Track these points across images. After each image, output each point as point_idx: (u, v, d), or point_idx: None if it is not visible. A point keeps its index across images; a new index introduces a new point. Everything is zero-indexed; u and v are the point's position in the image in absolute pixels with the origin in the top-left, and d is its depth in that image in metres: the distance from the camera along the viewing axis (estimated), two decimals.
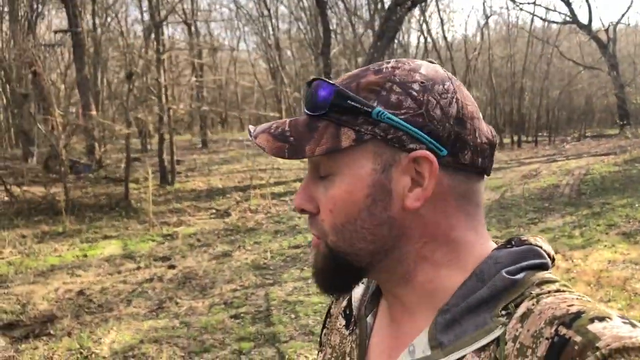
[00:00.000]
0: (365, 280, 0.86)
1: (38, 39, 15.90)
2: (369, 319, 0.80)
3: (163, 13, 13.66)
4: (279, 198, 11.71)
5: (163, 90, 12.76)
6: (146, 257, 7.92)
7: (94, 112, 13.51)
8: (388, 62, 0.72)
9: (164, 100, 12.73)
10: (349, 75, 0.74)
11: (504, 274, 0.67)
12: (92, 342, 5.08)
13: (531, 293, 0.64)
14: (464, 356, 0.63)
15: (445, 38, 25.93)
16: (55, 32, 16.90)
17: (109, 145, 13.58)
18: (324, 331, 0.91)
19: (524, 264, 0.68)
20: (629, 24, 28.42)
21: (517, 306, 0.63)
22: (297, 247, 8.24)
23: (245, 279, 6.87)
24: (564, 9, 24.21)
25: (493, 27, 30.22)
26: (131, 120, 11.25)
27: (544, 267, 0.70)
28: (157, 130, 13.30)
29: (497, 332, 0.62)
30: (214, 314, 5.71)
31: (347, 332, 0.82)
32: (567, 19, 25.35)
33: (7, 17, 16.34)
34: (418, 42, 30.45)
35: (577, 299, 0.61)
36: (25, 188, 11.10)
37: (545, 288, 0.64)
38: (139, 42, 17.15)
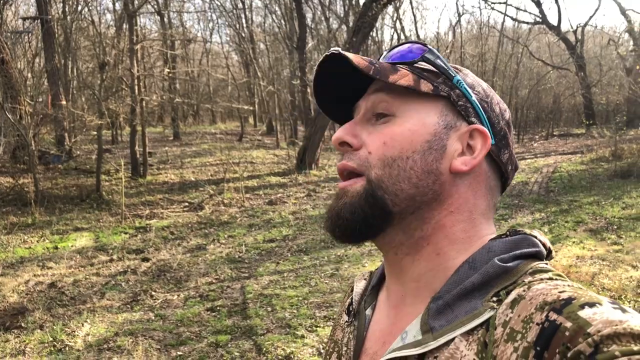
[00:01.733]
0: (367, 275, 0.89)
1: (5, 25, 15.48)
2: (367, 311, 0.81)
3: (137, 3, 13.44)
4: (253, 192, 11.69)
5: (136, 81, 12.59)
6: (119, 250, 7.83)
7: (63, 102, 13.24)
8: None
9: (136, 91, 12.56)
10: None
11: (497, 261, 0.68)
12: (66, 335, 5.02)
13: (523, 281, 0.65)
14: (452, 339, 0.64)
15: (417, 35, 26.15)
16: (24, 19, 16.47)
17: (80, 136, 13.32)
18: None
19: (517, 252, 0.69)
20: (595, 26, 29.04)
21: (508, 293, 0.64)
22: (272, 240, 8.25)
23: (220, 272, 6.86)
24: (535, 9, 24.65)
25: (465, 25, 30.63)
26: (104, 110, 11.06)
27: (538, 256, 0.71)
28: (129, 122, 13.12)
29: (485, 315, 0.63)
30: (189, 307, 5.70)
31: (346, 326, 0.84)
32: (537, 19, 25.80)
33: None
34: (392, 39, 30.62)
35: (568, 286, 0.61)
36: None
37: (538, 276, 0.65)
38: (111, 31, 16.86)
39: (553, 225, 8.02)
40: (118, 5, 17.75)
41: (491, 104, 0.77)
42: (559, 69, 26.31)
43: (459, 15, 36.24)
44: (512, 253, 0.69)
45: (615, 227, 7.74)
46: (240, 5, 22.95)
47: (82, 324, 5.28)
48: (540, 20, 25.53)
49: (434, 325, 0.66)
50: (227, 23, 25.22)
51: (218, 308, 5.63)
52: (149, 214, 9.94)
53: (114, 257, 7.56)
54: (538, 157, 16.27)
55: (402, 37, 25.91)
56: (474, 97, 0.75)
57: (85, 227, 9.04)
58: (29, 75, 16.09)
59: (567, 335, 0.53)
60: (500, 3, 24.92)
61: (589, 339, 0.52)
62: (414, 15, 26.71)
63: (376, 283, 0.84)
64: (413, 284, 0.73)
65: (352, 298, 0.87)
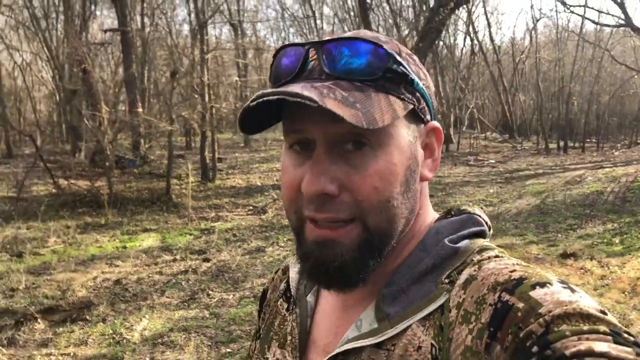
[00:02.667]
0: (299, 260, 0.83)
1: (89, 38, 16.50)
2: (309, 297, 0.77)
3: (209, 13, 13.96)
4: None
5: (206, 89, 13.04)
6: (183, 250, 8.11)
7: (140, 109, 13.93)
8: (367, 31, 0.69)
9: (207, 98, 13.00)
10: (370, 37, 0.67)
11: (447, 242, 0.68)
12: (125, 329, 5.25)
13: (472, 260, 0.65)
14: (409, 326, 0.63)
15: (492, 40, 25.54)
16: (105, 31, 17.52)
17: (154, 141, 13.95)
18: (262, 316, 0.89)
19: (465, 232, 0.69)
20: None
21: (459, 273, 0.64)
22: None
23: None
24: (617, 11, 23.41)
25: (542, 30, 29.58)
26: (174, 117, 11.53)
27: (482, 234, 0.71)
28: (200, 128, 13.59)
29: (441, 300, 0.62)
30: (243, 306, 5.81)
31: (287, 313, 0.79)
32: (620, 21, 24.49)
33: (62, 17, 16.99)
34: (464, 44, 30.04)
35: (517, 264, 0.61)
36: (72, 181, 11.53)
37: (485, 254, 0.65)
38: (186, 41, 17.57)
39: (625, 236, 7.55)
40: (193, 16, 18.47)
41: (429, 84, 0.71)
42: None
43: (536, 20, 35.05)
44: (460, 233, 0.69)
45: None
46: (310, 14, 23.28)
47: (141, 319, 5.50)
48: (624, 23, 24.22)
49: (389, 312, 0.65)
50: (298, 32, 25.63)
51: None
52: (214, 216, 10.24)
53: (177, 257, 7.83)
54: (618, 165, 15.40)
55: (476, 42, 25.38)
56: (425, 91, 0.69)
57: (153, 228, 9.43)
58: (111, 84, 17.04)
59: (519, 316, 0.54)
60: (579, 6, 23.85)
61: (540, 319, 0.52)
62: (488, 20, 26.04)
63: None
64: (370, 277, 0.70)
65: (287, 283, 0.84)
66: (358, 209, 0.63)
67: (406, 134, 0.66)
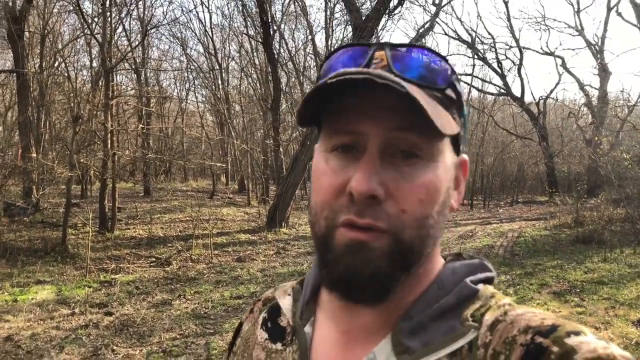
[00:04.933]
0: (290, 290, 0.80)
1: None
2: (306, 329, 0.73)
3: (114, 60, 13.71)
4: (222, 248, 11.62)
5: (109, 135, 12.65)
6: (82, 303, 7.65)
7: (34, 154, 13.18)
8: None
9: (109, 145, 12.60)
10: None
11: (469, 282, 0.68)
12: None
13: (490, 305, 0.65)
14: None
15: None
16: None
17: (48, 189, 13.18)
18: (233, 349, 0.83)
19: (482, 276, 0.70)
20: (557, 99, 30.46)
21: (482, 315, 0.63)
22: (239, 297, 8.17)
23: (185, 328, 6.74)
24: (499, 81, 25.84)
25: None
26: (74, 163, 11.03)
27: (491, 281, 0.72)
28: (100, 176, 13.07)
29: (470, 336, 0.61)
30: None
31: (278, 346, 0.74)
32: (502, 91, 26.97)
33: None
34: None
35: (545, 313, 0.62)
36: None
37: (499, 301, 0.66)
38: (87, 87, 17.03)
39: (518, 287, 8.16)
40: (95, 62, 18.04)
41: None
42: (522, 138, 27.34)
43: None
44: (477, 276, 0.69)
45: (578, 290, 7.92)
46: (217, 67, 23.48)
47: None
48: (505, 92, 26.69)
49: (410, 346, 0.62)
50: (203, 84, 25.68)
51: None
52: (114, 268, 9.78)
53: (76, 310, 7.37)
54: (503, 222, 16.63)
55: None
56: (467, 120, 0.71)
57: (47, 280, 8.83)
58: (0, 128, 16.02)
59: (553, 359, 0.54)
60: (466, 75, 26.05)
61: None
62: None
63: (309, 297, 0.76)
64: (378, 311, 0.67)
65: (269, 313, 0.80)
66: (397, 221, 0.60)
67: (450, 156, 0.67)
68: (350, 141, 0.62)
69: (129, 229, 13.41)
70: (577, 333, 0.56)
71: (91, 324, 6.82)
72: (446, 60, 0.65)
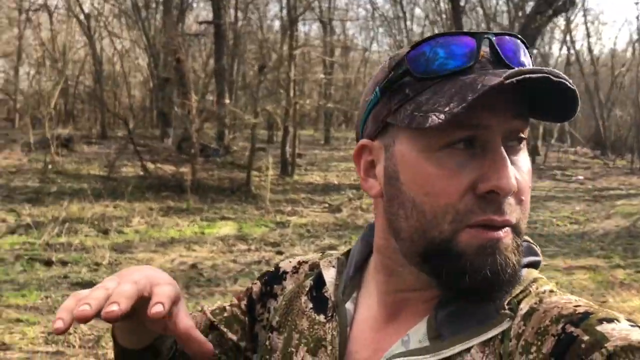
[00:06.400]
0: (335, 262, 0.80)
1: (185, 29, 17.13)
2: (348, 305, 0.73)
3: (300, 10, 14.10)
4: None
5: (292, 84, 13.18)
6: (258, 241, 8.23)
7: (227, 101, 14.30)
8: None
9: (291, 94, 13.15)
10: None
11: None
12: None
13: (530, 290, 0.63)
14: (469, 348, 0.60)
15: (590, 51, 24.25)
16: (200, 23, 18.13)
17: (238, 133, 14.28)
18: (275, 304, 0.82)
19: (527, 260, 0.67)
20: None
21: (519, 302, 0.62)
22: None
23: None
24: None
25: None
26: (259, 111, 11.74)
27: (537, 265, 0.69)
28: (283, 123, 13.77)
29: (504, 326, 0.60)
30: None
31: (322, 318, 0.74)
32: None
33: (161, 8, 17.72)
34: (559, 53, 28.77)
35: (579, 300, 0.60)
36: (158, 165, 12.02)
37: (541, 287, 0.64)
38: (276, 36, 17.88)
39: None
40: (285, 12, 18.78)
41: None
42: None
43: None
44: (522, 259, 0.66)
45: None
46: (401, 14, 23.02)
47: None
48: None
49: (443, 332, 0.62)
50: (387, 33, 25.44)
51: None
52: (290, 210, 10.34)
53: (252, 247, 7.96)
54: None
55: (572, 51, 24.20)
56: None
57: (231, 216, 9.65)
58: (202, 74, 17.63)
59: (583, 347, 0.52)
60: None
61: (603, 349, 0.51)
62: (587, 30, 24.69)
63: (354, 274, 0.76)
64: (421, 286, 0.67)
65: (315, 281, 0.79)
66: (520, 213, 0.61)
67: None
68: (472, 136, 0.60)
69: (307, 174, 14.05)
70: (610, 320, 0.54)
71: (263, 260, 7.31)
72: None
